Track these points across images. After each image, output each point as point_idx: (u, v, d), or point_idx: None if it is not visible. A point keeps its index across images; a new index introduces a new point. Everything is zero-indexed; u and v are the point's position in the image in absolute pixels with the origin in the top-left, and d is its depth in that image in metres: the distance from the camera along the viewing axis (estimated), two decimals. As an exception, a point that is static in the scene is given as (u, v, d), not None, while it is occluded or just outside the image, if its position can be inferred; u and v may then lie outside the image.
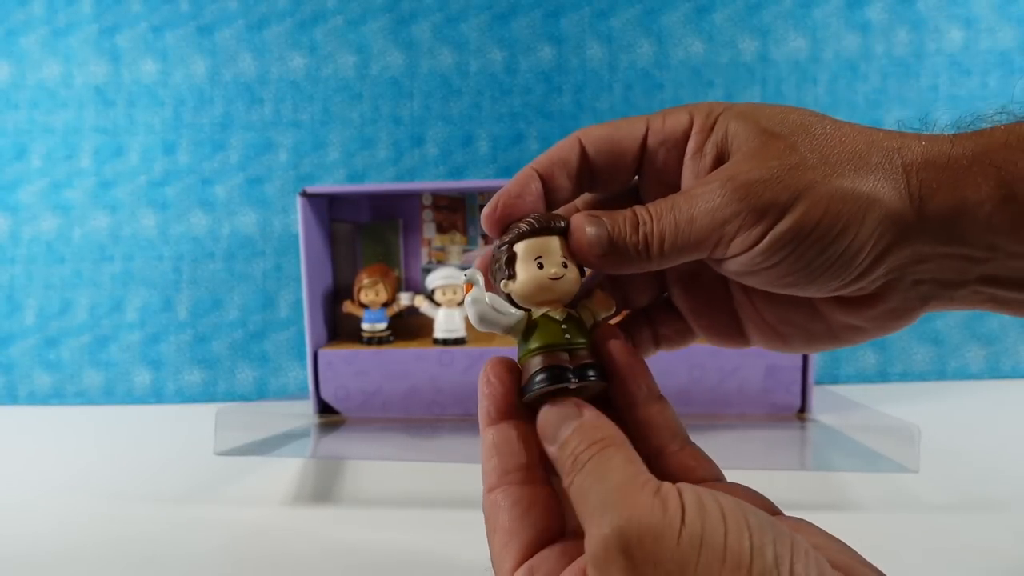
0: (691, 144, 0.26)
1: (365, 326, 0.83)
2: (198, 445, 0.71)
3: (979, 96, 0.95)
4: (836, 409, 0.78)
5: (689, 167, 0.26)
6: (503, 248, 0.25)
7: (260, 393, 1.00)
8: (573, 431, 0.22)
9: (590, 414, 0.23)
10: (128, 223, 1.01)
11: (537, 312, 0.25)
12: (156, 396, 1.01)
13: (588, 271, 0.26)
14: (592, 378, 0.24)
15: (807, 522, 0.21)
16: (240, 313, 1.00)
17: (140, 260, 1.01)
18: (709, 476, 0.24)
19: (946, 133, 0.24)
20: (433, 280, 0.84)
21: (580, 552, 0.21)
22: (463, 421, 0.79)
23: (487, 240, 0.94)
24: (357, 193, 0.89)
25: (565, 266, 0.25)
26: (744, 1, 0.97)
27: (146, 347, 1.01)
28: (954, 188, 0.23)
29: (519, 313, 0.25)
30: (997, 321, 0.96)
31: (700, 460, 0.24)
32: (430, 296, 0.84)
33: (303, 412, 0.81)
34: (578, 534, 0.23)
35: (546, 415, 0.23)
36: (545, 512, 0.23)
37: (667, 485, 0.19)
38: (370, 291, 0.84)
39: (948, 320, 0.97)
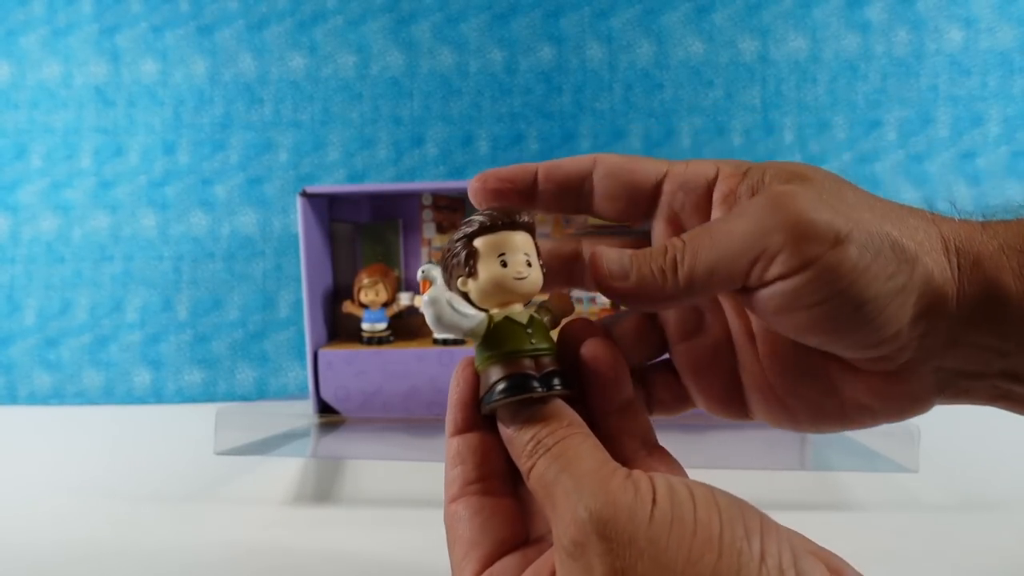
0: (721, 188, 0.24)
1: (365, 326, 0.83)
2: (198, 445, 0.71)
3: (979, 96, 0.95)
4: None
5: (719, 210, 0.24)
6: (461, 242, 0.23)
7: (260, 393, 1.00)
8: (536, 416, 0.22)
9: (554, 402, 0.22)
10: (128, 223, 1.01)
11: (497, 314, 0.23)
12: (156, 396, 1.01)
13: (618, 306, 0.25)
14: (558, 387, 0.22)
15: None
16: (240, 313, 1.00)
17: (140, 260, 1.01)
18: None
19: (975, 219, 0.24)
20: (433, 280, 0.83)
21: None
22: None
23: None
24: (357, 193, 0.89)
25: (530, 265, 0.23)
26: (744, 1, 0.97)
27: (146, 347, 1.01)
28: (988, 272, 0.22)
29: (481, 315, 0.23)
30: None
31: (671, 465, 0.24)
32: (430, 296, 0.84)
33: (303, 412, 0.81)
34: (541, 542, 0.23)
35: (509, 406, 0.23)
36: (506, 522, 0.23)
37: (638, 471, 0.19)
38: (370, 291, 0.84)
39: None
